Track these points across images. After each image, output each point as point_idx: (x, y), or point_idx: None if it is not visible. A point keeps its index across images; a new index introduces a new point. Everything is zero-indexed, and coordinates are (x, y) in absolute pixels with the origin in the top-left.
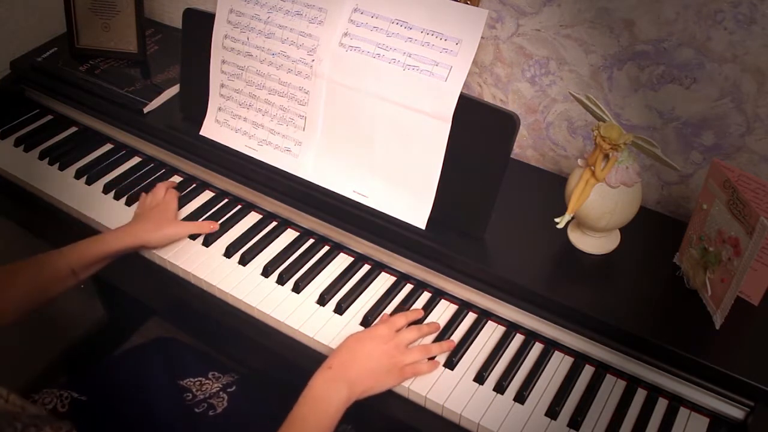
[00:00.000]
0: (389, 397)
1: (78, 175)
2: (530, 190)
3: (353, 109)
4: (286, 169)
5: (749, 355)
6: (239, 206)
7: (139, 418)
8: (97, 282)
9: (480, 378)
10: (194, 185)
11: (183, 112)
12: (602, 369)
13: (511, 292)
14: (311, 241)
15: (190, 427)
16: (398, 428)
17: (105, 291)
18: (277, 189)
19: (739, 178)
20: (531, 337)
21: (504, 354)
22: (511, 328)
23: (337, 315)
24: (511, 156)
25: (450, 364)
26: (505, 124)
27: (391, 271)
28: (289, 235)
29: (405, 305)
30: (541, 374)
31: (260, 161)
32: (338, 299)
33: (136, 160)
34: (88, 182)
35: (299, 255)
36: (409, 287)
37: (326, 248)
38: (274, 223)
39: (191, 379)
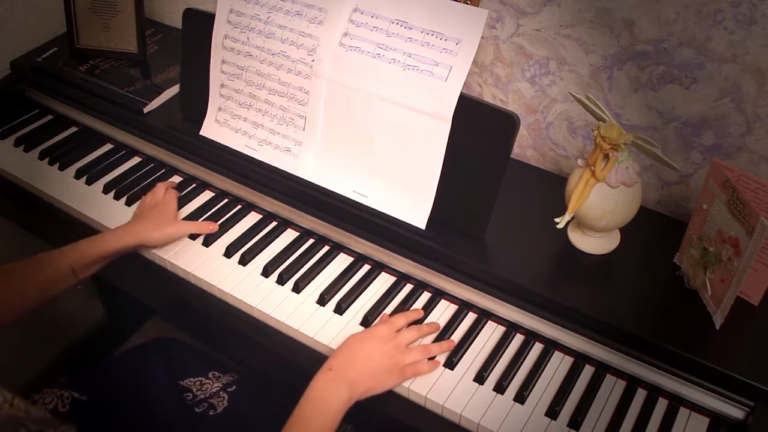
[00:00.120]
0: (389, 397)
1: (78, 175)
2: (530, 190)
3: (353, 109)
4: (286, 169)
5: (749, 355)
6: (239, 206)
7: (140, 417)
8: (97, 282)
9: (480, 378)
10: (194, 185)
11: (183, 112)
12: (602, 369)
13: (511, 292)
14: (311, 241)
15: (191, 427)
16: (398, 428)
17: (105, 291)
18: (277, 189)
19: (739, 178)
20: (531, 337)
21: (504, 354)
22: (511, 328)
23: (337, 315)
24: (511, 156)
25: (450, 364)
26: (505, 124)
27: (391, 271)
28: (289, 235)
29: (405, 305)
30: (541, 374)
31: (260, 161)
32: (338, 299)
33: (136, 160)
34: (88, 182)
35: (299, 255)
36: (409, 287)
37: (326, 248)
38: (274, 223)
39: (191, 379)
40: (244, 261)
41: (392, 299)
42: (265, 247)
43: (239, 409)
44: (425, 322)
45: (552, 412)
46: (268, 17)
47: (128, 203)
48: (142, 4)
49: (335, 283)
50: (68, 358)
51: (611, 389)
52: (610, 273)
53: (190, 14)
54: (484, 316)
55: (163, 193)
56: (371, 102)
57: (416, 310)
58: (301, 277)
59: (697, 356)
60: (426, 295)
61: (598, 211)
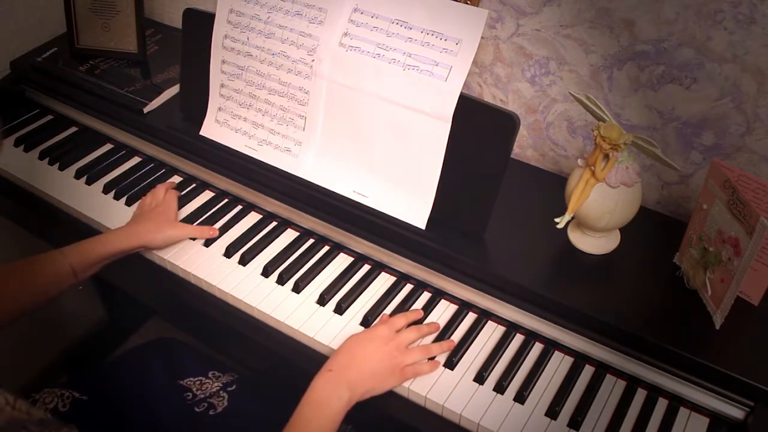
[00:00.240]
0: (389, 397)
1: (78, 175)
2: (530, 190)
3: (353, 109)
4: (286, 169)
5: (749, 355)
6: (239, 206)
7: (140, 417)
8: (97, 282)
9: (480, 378)
10: (194, 185)
11: (183, 112)
12: (602, 369)
13: (511, 292)
14: (311, 241)
15: (191, 427)
16: (398, 428)
17: (105, 291)
18: (277, 189)
19: (739, 178)
20: (531, 337)
21: (504, 354)
22: (511, 328)
23: (337, 315)
24: (511, 156)
25: (450, 364)
26: (505, 124)
27: (391, 271)
28: (289, 235)
29: (405, 305)
30: (541, 374)
31: (260, 161)
32: (338, 299)
33: (136, 160)
34: (88, 182)
35: (299, 255)
36: (409, 287)
37: (326, 248)
38: (274, 223)
39: (191, 379)
40: (244, 261)
41: (392, 299)
42: (265, 247)
43: (239, 409)
44: (425, 322)
45: (552, 412)
46: (268, 17)
47: (128, 203)
48: (142, 4)
49: (335, 283)
50: (68, 358)
51: (611, 389)
52: (610, 273)
53: (190, 14)
54: (484, 316)
55: (163, 193)
56: (371, 102)
57: (416, 310)
58: (301, 277)
59: (697, 356)
60: (426, 295)
61: (598, 211)
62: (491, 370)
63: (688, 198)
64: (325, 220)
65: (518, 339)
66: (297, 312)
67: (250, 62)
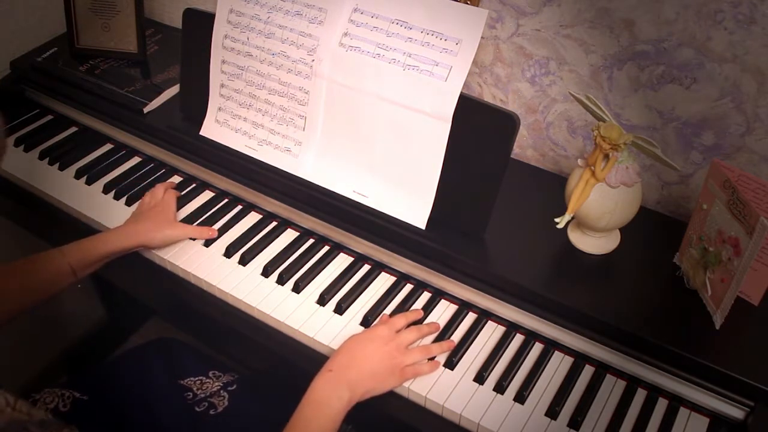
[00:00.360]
0: (389, 397)
1: (78, 175)
2: (530, 190)
3: (353, 109)
4: (286, 169)
5: (749, 355)
6: (239, 206)
7: (141, 417)
8: (97, 282)
9: (480, 378)
10: (194, 185)
11: (183, 112)
12: (602, 369)
13: (511, 292)
14: (311, 241)
15: (191, 426)
16: (398, 428)
17: (105, 291)
18: (277, 189)
19: (739, 178)
20: (531, 337)
21: (504, 354)
22: (511, 328)
23: (337, 315)
24: (511, 156)
25: (450, 364)
26: (505, 124)
27: (391, 271)
28: (289, 235)
29: (405, 305)
30: (541, 374)
31: (260, 161)
32: (338, 299)
33: (136, 160)
34: (88, 182)
35: (299, 255)
36: (409, 287)
37: (326, 248)
38: (274, 223)
39: (192, 379)
40: (244, 261)
41: (392, 299)
42: (265, 247)
43: (239, 409)
44: (425, 322)
45: (552, 412)
46: (268, 17)
47: (128, 203)
48: (142, 4)
49: (335, 283)
50: (68, 357)
51: (611, 389)
52: (610, 273)
53: (190, 14)
54: (484, 316)
55: (162, 193)
56: (371, 102)
57: (416, 310)
58: (301, 277)
59: (697, 356)
60: (426, 295)
61: (598, 211)
62: (491, 370)
63: (688, 198)
64: (325, 220)
65: (518, 339)
66: (297, 312)
67: (250, 62)
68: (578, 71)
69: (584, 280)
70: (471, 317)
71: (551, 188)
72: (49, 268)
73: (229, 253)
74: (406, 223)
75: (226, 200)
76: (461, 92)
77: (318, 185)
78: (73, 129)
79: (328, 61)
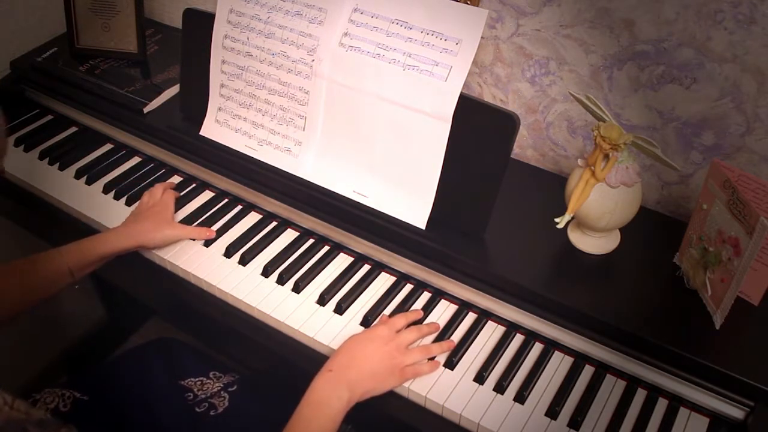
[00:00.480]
0: (389, 397)
1: (78, 175)
2: (530, 190)
3: (353, 109)
4: (286, 169)
5: (749, 355)
6: (239, 206)
7: (141, 417)
8: (97, 282)
9: (480, 378)
10: (194, 185)
11: (183, 112)
12: (602, 369)
13: (511, 292)
14: (311, 241)
15: (191, 427)
16: (398, 428)
17: (105, 291)
18: (277, 189)
19: (739, 178)
20: (531, 337)
21: (504, 354)
22: (511, 328)
23: (337, 315)
24: (511, 156)
25: (450, 364)
26: (505, 124)
27: (391, 271)
28: (289, 235)
29: (405, 305)
30: (541, 374)
31: (260, 161)
32: (338, 299)
33: (136, 160)
34: (88, 182)
35: (299, 255)
36: (409, 287)
37: (326, 248)
38: (274, 223)
39: (192, 379)
40: (244, 261)
41: (392, 299)
42: (265, 247)
43: (240, 409)
44: (425, 322)
45: (552, 412)
46: (268, 17)
47: (128, 203)
48: (142, 4)
49: (335, 283)
50: (68, 357)
51: (611, 389)
52: (610, 273)
53: (190, 14)
54: (484, 316)
55: (160, 193)
56: (371, 102)
57: (416, 310)
58: (301, 277)
59: (697, 356)
60: (426, 295)
61: (598, 211)
62: (491, 370)
63: (688, 198)
64: (325, 220)
65: (518, 339)
66: (297, 312)
67: (250, 62)
68: (578, 71)
69: (584, 280)
70: (471, 317)
71: (551, 188)
72: (49, 268)
73: (229, 253)
74: (406, 223)
75: (226, 200)
76: (461, 92)
77: (318, 185)
78: (73, 129)
79: (328, 61)
